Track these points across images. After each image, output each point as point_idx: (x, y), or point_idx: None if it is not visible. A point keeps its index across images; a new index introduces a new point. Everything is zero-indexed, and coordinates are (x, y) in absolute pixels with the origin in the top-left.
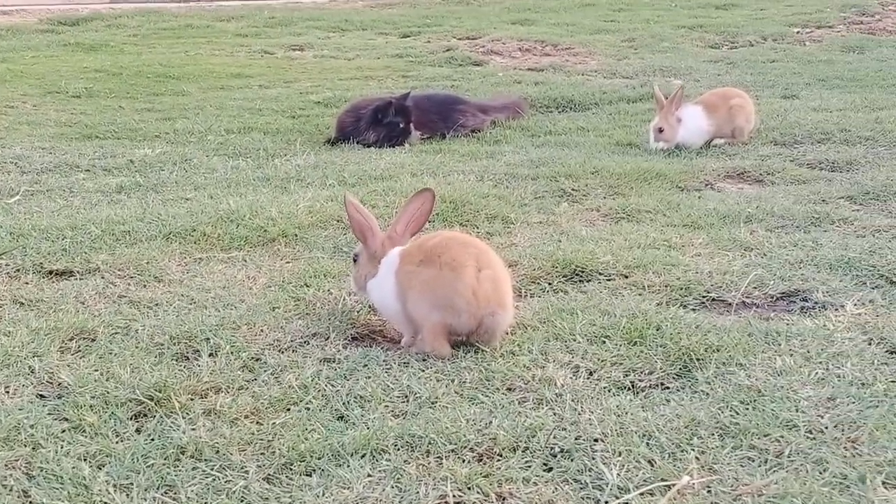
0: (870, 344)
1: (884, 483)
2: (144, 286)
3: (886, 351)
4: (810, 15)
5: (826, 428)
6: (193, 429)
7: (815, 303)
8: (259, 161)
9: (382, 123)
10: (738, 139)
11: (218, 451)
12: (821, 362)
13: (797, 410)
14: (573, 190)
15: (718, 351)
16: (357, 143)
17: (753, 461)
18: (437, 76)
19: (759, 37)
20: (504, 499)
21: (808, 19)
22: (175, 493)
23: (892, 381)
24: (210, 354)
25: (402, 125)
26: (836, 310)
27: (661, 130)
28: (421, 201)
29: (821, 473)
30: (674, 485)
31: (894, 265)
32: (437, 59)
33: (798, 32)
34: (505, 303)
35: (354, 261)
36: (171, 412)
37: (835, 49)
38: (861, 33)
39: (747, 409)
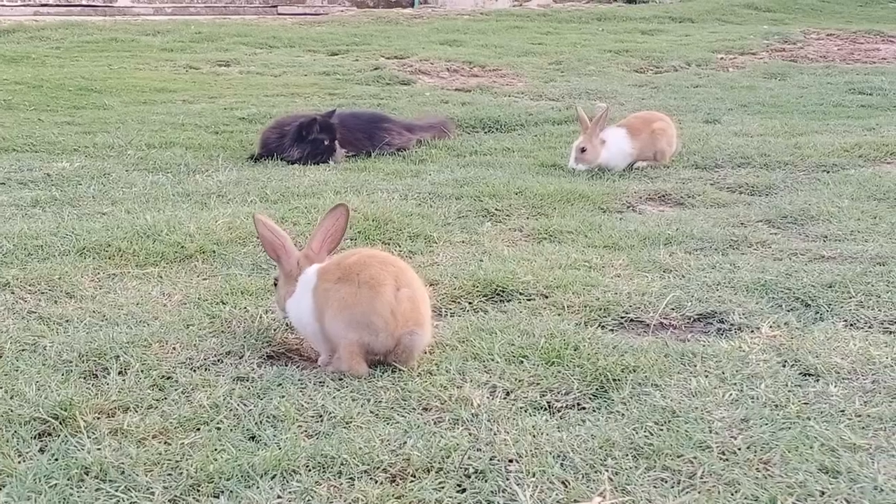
0: (784, 366)
1: None
2: (55, 302)
3: (800, 373)
4: (734, 42)
5: (739, 449)
6: (99, 449)
7: (732, 324)
8: (179, 176)
9: (307, 140)
10: (660, 162)
11: (123, 472)
12: (735, 384)
13: (711, 431)
14: (497, 210)
15: (635, 371)
16: (281, 159)
17: (666, 482)
18: (364, 94)
19: (683, 62)
20: None
21: (731, 46)
22: None
23: (805, 403)
24: (119, 372)
25: (326, 142)
26: (752, 332)
27: (583, 150)
28: (335, 217)
29: (732, 495)
30: None
31: (810, 288)
32: (364, 78)
33: (722, 58)
34: (423, 322)
35: (275, 285)
36: (77, 431)
37: (757, 75)
38: (783, 60)
39: (661, 429)
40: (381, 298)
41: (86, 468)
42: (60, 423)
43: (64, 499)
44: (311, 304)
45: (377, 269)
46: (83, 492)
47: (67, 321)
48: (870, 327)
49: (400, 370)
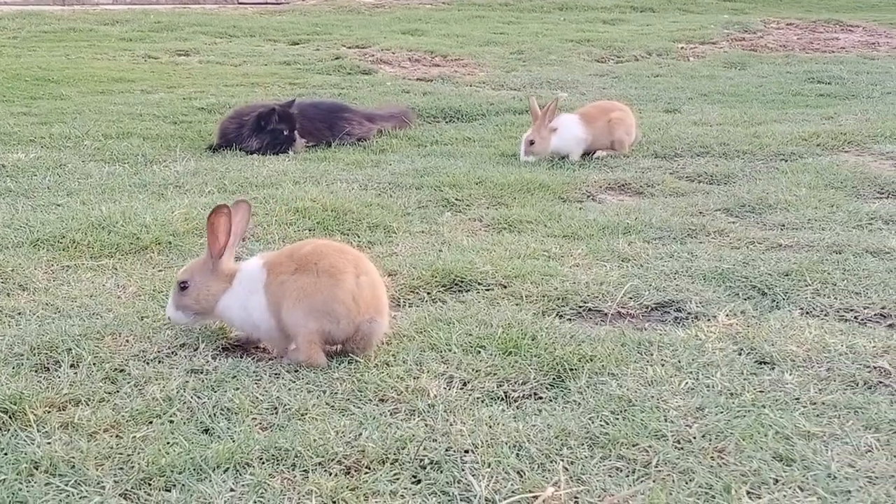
0: (740, 354)
1: (748, 493)
2: (7, 294)
3: (755, 361)
4: (694, 31)
5: (694, 438)
6: (49, 443)
7: (689, 313)
8: (137, 167)
9: (266, 130)
10: (619, 151)
11: (74, 466)
12: (691, 372)
13: (666, 420)
14: (457, 200)
15: (591, 361)
16: (240, 149)
17: (621, 471)
18: (325, 84)
19: (644, 52)
20: None
21: (692, 35)
22: None
23: (760, 391)
24: (71, 365)
25: (286, 132)
26: (709, 320)
27: (531, 143)
28: (241, 214)
29: (687, 483)
30: (538, 496)
31: (766, 276)
32: (325, 67)
33: (682, 48)
34: (382, 310)
35: (183, 288)
36: (27, 425)
37: (717, 65)
38: (743, 50)
39: (617, 419)
40: (342, 286)
41: (35, 462)
42: (10, 418)
43: (13, 493)
44: (263, 300)
45: (335, 257)
46: (33, 486)
47: (19, 314)
48: (825, 315)
49: (356, 361)
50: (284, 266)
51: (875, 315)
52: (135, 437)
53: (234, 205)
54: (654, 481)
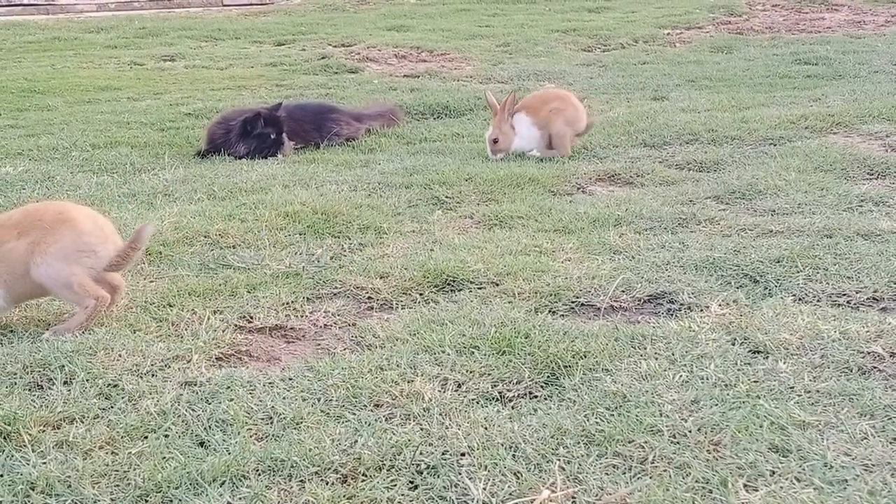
0: (733, 344)
1: (745, 486)
2: None
3: (749, 351)
4: (680, 16)
5: (689, 432)
6: (44, 462)
7: (681, 304)
8: (125, 176)
9: (252, 135)
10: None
11: (70, 486)
12: (685, 365)
13: (661, 415)
14: (447, 197)
15: (585, 357)
16: (228, 155)
17: (618, 469)
18: (311, 84)
19: (630, 39)
20: None
21: (677, 21)
22: None
23: (755, 382)
24: (65, 382)
25: (273, 136)
26: (702, 311)
27: (495, 141)
28: None
29: (683, 478)
30: (535, 499)
31: (758, 264)
32: (311, 67)
33: (668, 34)
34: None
35: None
36: (21, 446)
37: (704, 49)
38: (729, 33)
39: (612, 415)
40: (79, 221)
41: (31, 483)
42: (4, 439)
43: None
44: None
45: (54, 207)
46: None
47: (11, 332)
48: (818, 301)
49: (351, 367)
50: (3, 236)
51: (867, 299)
52: (130, 453)
53: None
54: (650, 478)
